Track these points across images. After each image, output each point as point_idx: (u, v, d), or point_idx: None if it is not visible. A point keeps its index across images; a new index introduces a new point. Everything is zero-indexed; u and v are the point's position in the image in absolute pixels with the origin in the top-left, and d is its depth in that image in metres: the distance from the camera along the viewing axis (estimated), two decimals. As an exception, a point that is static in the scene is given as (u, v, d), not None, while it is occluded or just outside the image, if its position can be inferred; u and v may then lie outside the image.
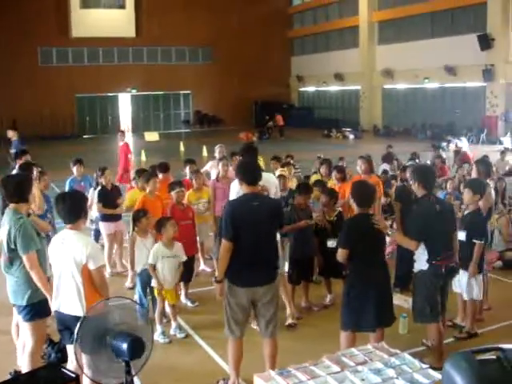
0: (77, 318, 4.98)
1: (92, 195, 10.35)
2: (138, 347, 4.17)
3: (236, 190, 6.64)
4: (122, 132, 18.07)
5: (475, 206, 7.07)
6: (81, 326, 4.29)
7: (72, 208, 5.14)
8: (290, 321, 7.51)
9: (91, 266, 5.00)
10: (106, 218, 9.82)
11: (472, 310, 7.16)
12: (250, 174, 5.77)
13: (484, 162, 8.19)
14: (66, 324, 5.16)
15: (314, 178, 11.15)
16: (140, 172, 9.77)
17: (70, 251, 5.03)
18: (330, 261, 7.47)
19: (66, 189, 10.93)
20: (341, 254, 5.90)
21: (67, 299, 5.11)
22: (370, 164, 9.59)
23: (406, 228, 6.63)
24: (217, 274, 5.76)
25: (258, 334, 5.93)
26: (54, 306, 5.22)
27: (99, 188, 9.96)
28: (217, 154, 11.54)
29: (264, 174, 6.97)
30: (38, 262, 5.39)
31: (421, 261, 6.21)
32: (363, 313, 5.86)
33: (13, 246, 5.43)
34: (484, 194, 7.25)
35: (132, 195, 9.31)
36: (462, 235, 6.86)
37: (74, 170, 11.02)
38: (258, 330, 5.87)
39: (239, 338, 5.72)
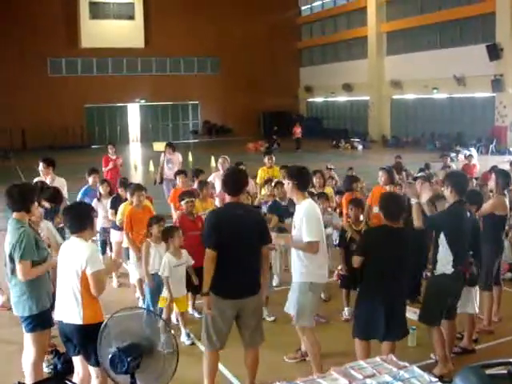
0: (75, 327, 5.00)
1: (96, 206, 10.38)
2: (117, 362, 4.21)
3: None
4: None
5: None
6: (100, 337, 4.34)
7: (77, 217, 5.21)
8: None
9: (88, 271, 4.99)
10: (117, 225, 9.73)
11: (469, 325, 7.02)
12: (232, 183, 5.76)
13: (503, 173, 8.03)
14: (67, 334, 5.17)
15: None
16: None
17: (71, 258, 5.08)
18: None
19: (78, 197, 11.00)
20: (356, 260, 5.98)
21: (66, 308, 5.12)
22: (390, 175, 9.59)
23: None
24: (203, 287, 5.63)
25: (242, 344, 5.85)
26: (56, 315, 5.25)
27: (113, 196, 10.08)
28: (220, 166, 11.59)
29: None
30: (30, 272, 5.39)
31: (446, 264, 6.20)
32: (372, 322, 5.88)
33: (13, 257, 5.46)
34: (481, 205, 7.27)
35: (123, 209, 9.22)
36: None
37: (90, 179, 11.12)
38: (242, 340, 5.79)
39: (216, 351, 5.69)
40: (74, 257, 5.06)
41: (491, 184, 7.78)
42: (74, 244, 5.16)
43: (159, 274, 7.39)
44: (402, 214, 6.01)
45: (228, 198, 5.78)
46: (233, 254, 5.49)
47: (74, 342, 5.14)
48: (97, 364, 5.01)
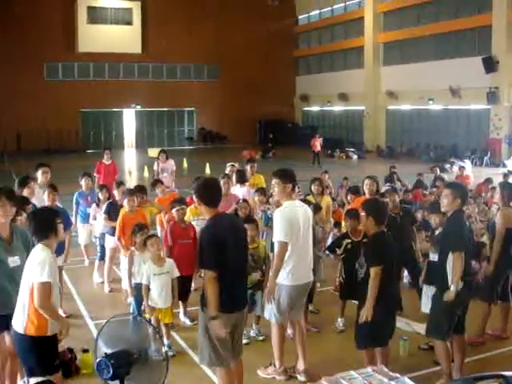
0: (17, 335, 4.91)
1: (94, 211, 10.32)
2: (103, 368, 4.30)
3: None
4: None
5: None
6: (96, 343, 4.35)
7: (41, 225, 5.02)
8: (302, 378, 6.49)
9: (34, 279, 4.80)
10: (113, 231, 9.49)
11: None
12: (213, 194, 5.39)
13: (508, 186, 7.97)
14: (15, 341, 5.07)
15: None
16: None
17: (27, 265, 4.92)
18: (356, 282, 7.13)
19: (73, 203, 10.94)
20: (377, 272, 5.75)
21: (15, 314, 4.99)
22: (377, 185, 9.55)
23: (442, 243, 6.36)
24: (210, 310, 5.10)
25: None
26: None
27: (110, 201, 9.96)
28: (227, 169, 11.62)
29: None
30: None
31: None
32: (382, 328, 5.89)
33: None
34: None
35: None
36: (434, 256, 6.73)
37: (83, 183, 11.03)
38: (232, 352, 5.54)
39: (229, 366, 5.38)
40: (28, 264, 4.89)
41: (496, 197, 7.69)
42: (34, 251, 4.96)
43: (137, 282, 7.35)
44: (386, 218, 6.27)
45: (206, 210, 5.34)
46: (235, 268, 5.21)
47: (17, 348, 5.04)
48: (29, 375, 4.94)
